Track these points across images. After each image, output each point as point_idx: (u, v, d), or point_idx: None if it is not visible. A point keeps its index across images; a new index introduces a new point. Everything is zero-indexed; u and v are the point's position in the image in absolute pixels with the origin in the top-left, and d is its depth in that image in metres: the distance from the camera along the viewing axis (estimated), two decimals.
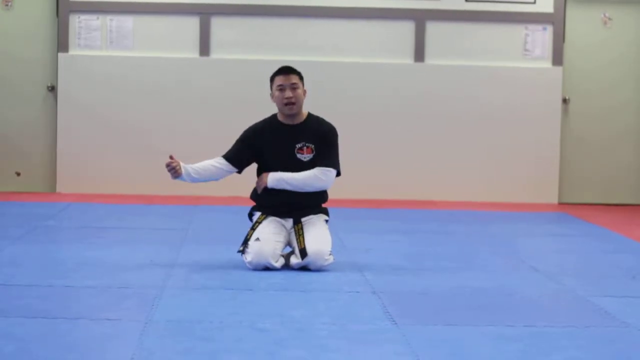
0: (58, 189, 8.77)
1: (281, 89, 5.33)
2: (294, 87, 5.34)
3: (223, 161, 5.40)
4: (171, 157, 5.31)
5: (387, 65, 8.87)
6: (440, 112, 8.90)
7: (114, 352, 3.67)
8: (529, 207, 8.64)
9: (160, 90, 8.77)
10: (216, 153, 8.58)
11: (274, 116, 5.46)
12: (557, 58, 8.94)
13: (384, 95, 8.87)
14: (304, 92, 5.43)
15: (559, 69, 8.95)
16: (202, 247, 6.03)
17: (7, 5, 8.78)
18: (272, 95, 5.41)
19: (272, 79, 5.40)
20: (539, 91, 8.93)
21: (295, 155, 5.33)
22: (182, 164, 5.32)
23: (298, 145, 5.33)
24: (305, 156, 5.34)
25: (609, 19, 9.08)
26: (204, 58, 8.80)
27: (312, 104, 8.85)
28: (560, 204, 9.01)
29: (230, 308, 4.41)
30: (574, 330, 4.18)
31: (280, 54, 8.79)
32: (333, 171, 5.34)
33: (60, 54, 8.71)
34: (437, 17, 8.89)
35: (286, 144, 5.33)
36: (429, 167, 8.90)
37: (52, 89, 8.79)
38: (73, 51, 8.74)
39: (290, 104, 5.33)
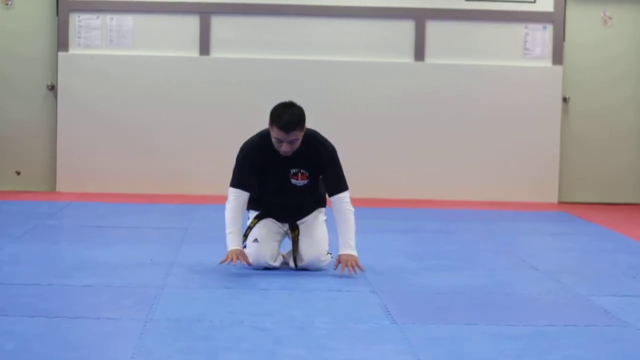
0: (58, 188, 8.77)
1: (279, 140, 5.00)
2: (292, 142, 5.00)
3: (240, 193, 5.10)
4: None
5: (387, 64, 8.87)
6: (441, 111, 8.90)
7: (114, 350, 3.67)
8: (529, 206, 8.64)
9: (160, 89, 8.76)
10: (216, 151, 8.66)
11: (268, 137, 5.08)
12: (557, 57, 8.94)
13: (384, 94, 8.86)
14: (304, 129, 5.06)
15: (559, 67, 8.94)
16: (202, 246, 6.02)
17: (7, 4, 8.78)
18: (269, 127, 5.04)
19: (271, 123, 5.00)
20: (539, 90, 8.93)
21: (290, 180, 5.15)
22: (239, 244, 5.07)
23: (293, 171, 5.13)
24: (300, 182, 5.16)
25: (609, 17, 9.08)
26: (204, 57, 8.80)
27: (311, 103, 8.86)
28: (560, 203, 9.00)
29: (230, 307, 4.41)
30: (573, 329, 4.18)
31: (280, 52, 8.80)
32: (347, 193, 5.15)
33: (60, 53, 8.70)
34: (437, 16, 8.88)
35: (280, 168, 5.11)
36: (429, 166, 8.90)
37: (52, 88, 8.79)
38: (73, 50, 8.73)
39: (285, 152, 5.03)
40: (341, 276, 5.11)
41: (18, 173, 8.84)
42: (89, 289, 4.73)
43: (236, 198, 5.10)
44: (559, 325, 4.22)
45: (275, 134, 4.97)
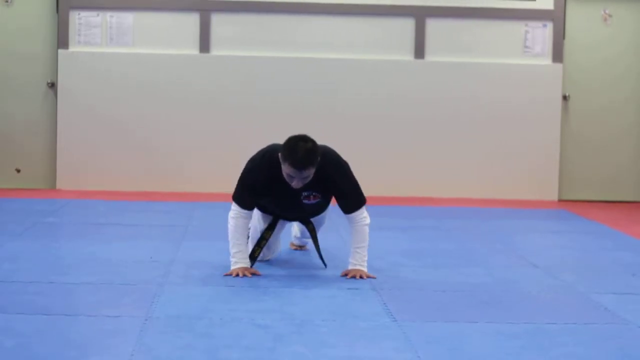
0: (58, 186, 8.77)
1: (291, 176, 4.76)
2: (304, 178, 4.77)
3: (244, 214, 4.97)
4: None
5: (387, 62, 8.87)
6: (441, 108, 8.90)
7: (114, 348, 3.67)
8: (529, 204, 8.64)
9: (160, 87, 8.76)
10: (216, 148, 8.67)
11: (277, 160, 4.83)
12: (557, 55, 8.94)
13: (384, 92, 8.86)
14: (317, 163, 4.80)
15: (559, 66, 8.94)
16: (201, 243, 6.03)
17: (7, 1, 8.78)
18: (281, 161, 4.78)
19: (284, 159, 4.74)
20: (539, 88, 8.92)
21: (301, 201, 4.99)
22: (245, 261, 5.02)
23: (304, 194, 4.95)
24: (311, 201, 4.99)
25: (609, 15, 9.07)
26: (204, 55, 8.80)
27: (311, 101, 8.90)
28: (560, 200, 9.00)
29: (230, 304, 4.41)
30: (573, 326, 4.19)
31: (280, 50, 8.80)
32: (363, 209, 5.00)
33: (60, 51, 8.70)
34: (437, 13, 8.88)
35: (290, 191, 4.90)
36: (429, 164, 8.90)
37: (52, 85, 8.79)
38: (73, 48, 8.73)
39: (296, 186, 4.82)
40: (342, 275, 5.11)
41: (18, 171, 8.84)
42: (88, 287, 4.73)
43: (241, 217, 4.98)
44: (559, 322, 4.22)
45: (287, 170, 4.72)
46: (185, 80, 8.78)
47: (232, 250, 5.03)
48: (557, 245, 6.69)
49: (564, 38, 8.97)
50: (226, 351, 3.65)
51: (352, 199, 4.99)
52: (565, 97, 9.04)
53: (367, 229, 5.03)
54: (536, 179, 8.96)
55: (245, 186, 4.98)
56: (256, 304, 4.43)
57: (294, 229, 5.73)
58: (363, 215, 5.01)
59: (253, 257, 5.16)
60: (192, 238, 6.27)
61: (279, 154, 4.78)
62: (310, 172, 4.74)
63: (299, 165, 4.68)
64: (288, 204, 5.04)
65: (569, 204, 8.82)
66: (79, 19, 8.72)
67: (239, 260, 5.02)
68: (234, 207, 5.01)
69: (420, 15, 8.86)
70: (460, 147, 8.91)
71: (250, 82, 8.77)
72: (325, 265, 5.25)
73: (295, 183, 4.76)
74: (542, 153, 8.96)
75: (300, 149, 4.70)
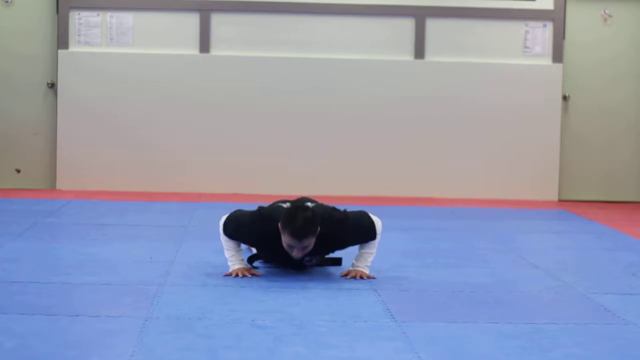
0: (58, 186, 8.77)
1: (290, 246, 4.74)
2: (304, 248, 4.75)
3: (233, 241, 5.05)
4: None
5: (387, 62, 8.87)
6: (440, 109, 8.89)
7: (114, 348, 3.67)
8: (529, 204, 8.64)
9: (160, 87, 8.76)
10: (215, 149, 8.67)
11: (277, 229, 4.78)
12: (557, 55, 8.94)
13: (384, 92, 8.86)
14: (317, 233, 4.77)
15: (559, 66, 8.94)
16: (202, 243, 6.02)
17: (7, 2, 8.78)
18: (281, 230, 4.74)
19: (283, 228, 4.70)
20: (539, 88, 8.92)
21: (302, 263, 4.99)
22: (242, 264, 5.04)
23: (307, 258, 4.92)
24: (313, 262, 5.03)
25: (609, 15, 9.07)
26: (204, 55, 8.80)
27: (311, 102, 8.90)
28: (560, 201, 9.00)
29: (230, 305, 4.41)
30: (573, 327, 4.18)
31: (279, 50, 8.79)
32: (379, 234, 5.01)
33: (60, 51, 8.70)
34: (437, 13, 8.88)
35: (292, 257, 4.85)
36: (429, 164, 8.90)
37: (52, 85, 8.78)
38: (73, 48, 8.73)
39: (296, 257, 4.81)
40: (342, 275, 5.11)
41: (18, 171, 8.84)
42: (88, 287, 4.73)
43: (231, 242, 5.04)
44: (559, 323, 4.22)
45: (286, 239, 4.70)
46: (185, 80, 8.78)
47: (228, 255, 5.06)
48: (557, 245, 6.69)
49: (564, 38, 8.97)
50: (226, 352, 3.65)
51: (367, 236, 5.01)
52: (565, 97, 9.04)
53: (379, 237, 5.06)
54: (536, 179, 8.96)
55: (233, 231, 4.96)
56: (256, 304, 4.43)
57: None
58: (375, 242, 5.06)
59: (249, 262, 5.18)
60: (192, 238, 6.27)
61: (279, 225, 4.74)
62: (310, 242, 4.71)
63: (298, 234, 4.65)
64: (287, 263, 5.06)
65: (569, 204, 8.82)
66: (79, 19, 8.72)
67: (235, 260, 5.03)
68: (223, 235, 5.00)
69: (420, 15, 8.86)
70: (460, 147, 8.91)
71: (250, 82, 8.77)
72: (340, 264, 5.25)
73: (296, 253, 4.75)
74: (542, 153, 8.96)
75: (299, 218, 4.66)
